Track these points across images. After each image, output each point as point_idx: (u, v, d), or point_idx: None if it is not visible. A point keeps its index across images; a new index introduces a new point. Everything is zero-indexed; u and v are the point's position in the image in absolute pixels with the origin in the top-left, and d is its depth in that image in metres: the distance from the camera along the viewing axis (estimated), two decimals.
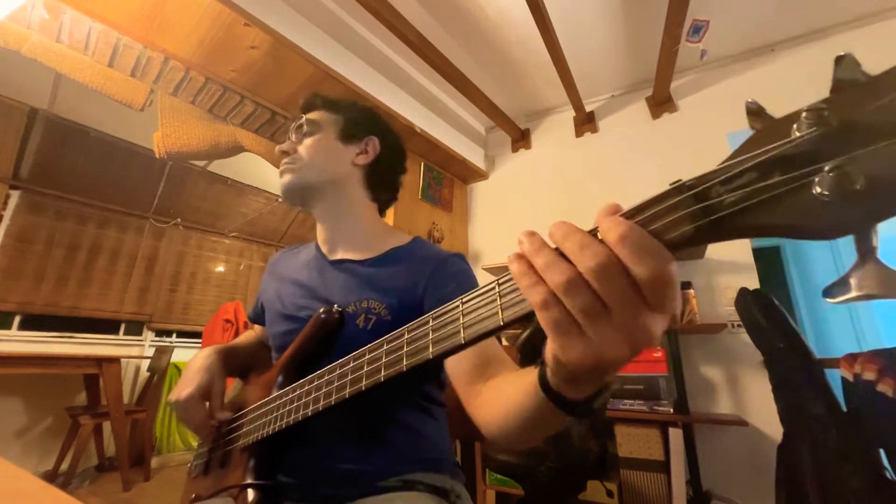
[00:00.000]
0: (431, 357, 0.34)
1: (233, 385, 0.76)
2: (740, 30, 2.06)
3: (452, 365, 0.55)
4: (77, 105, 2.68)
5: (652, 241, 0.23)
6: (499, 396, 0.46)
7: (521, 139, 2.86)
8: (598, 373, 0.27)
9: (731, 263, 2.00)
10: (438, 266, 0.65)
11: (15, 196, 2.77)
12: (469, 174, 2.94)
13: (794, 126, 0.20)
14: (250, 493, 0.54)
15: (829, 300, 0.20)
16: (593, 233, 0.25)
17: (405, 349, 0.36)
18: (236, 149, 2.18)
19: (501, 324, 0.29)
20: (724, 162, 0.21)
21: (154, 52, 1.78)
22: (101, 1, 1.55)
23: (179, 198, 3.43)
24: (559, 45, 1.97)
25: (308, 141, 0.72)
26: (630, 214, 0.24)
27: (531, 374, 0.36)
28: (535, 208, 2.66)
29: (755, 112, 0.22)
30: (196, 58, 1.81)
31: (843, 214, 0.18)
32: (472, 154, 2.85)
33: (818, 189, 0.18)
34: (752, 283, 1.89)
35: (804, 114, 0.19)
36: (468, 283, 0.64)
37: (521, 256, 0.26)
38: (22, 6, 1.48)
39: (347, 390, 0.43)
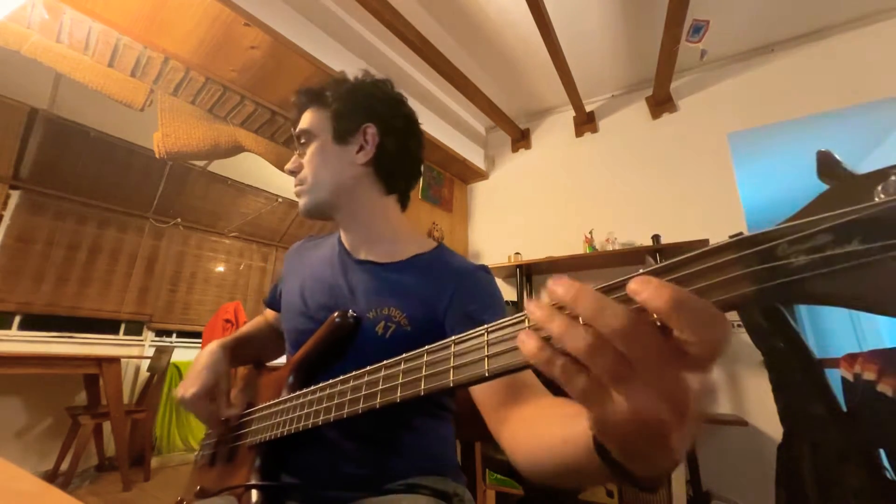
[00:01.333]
0: (451, 385, 0.32)
1: (245, 373, 0.75)
2: (740, 30, 2.06)
3: (481, 395, 0.53)
4: (77, 105, 2.68)
5: (706, 305, 0.20)
6: (533, 433, 0.42)
7: (521, 139, 2.86)
8: (647, 441, 0.23)
9: None
10: (464, 280, 0.63)
11: (15, 196, 2.77)
12: (469, 174, 2.94)
13: (880, 187, 0.17)
14: (254, 495, 0.54)
15: None
16: (609, 290, 0.23)
17: (424, 372, 0.35)
18: (236, 149, 2.18)
19: (529, 363, 0.26)
20: (792, 218, 0.19)
21: (154, 52, 1.78)
22: (101, 1, 1.55)
23: (179, 198, 3.43)
24: (559, 45, 1.98)
25: (307, 154, 0.68)
26: (674, 266, 0.22)
27: (579, 425, 0.32)
28: (534, 208, 2.67)
29: (829, 163, 0.19)
30: (196, 58, 1.81)
31: None
32: (472, 154, 2.85)
33: None
34: None
35: (893, 176, 0.17)
36: (494, 299, 0.63)
37: (535, 329, 0.24)
38: (22, 6, 1.48)
39: (360, 406, 0.42)
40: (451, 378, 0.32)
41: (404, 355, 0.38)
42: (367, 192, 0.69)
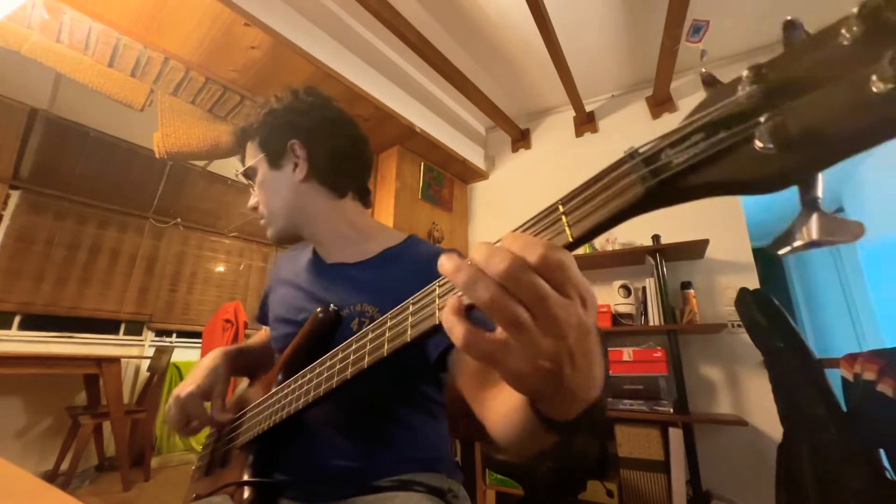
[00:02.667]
0: (409, 339, 0.34)
1: (240, 385, 0.77)
2: (740, 30, 2.06)
3: (458, 369, 0.55)
4: (77, 105, 2.68)
5: (532, 238, 0.25)
6: (499, 410, 0.45)
7: (521, 139, 2.86)
8: (552, 385, 0.27)
9: (731, 263, 2.00)
10: (433, 266, 0.64)
11: (15, 196, 2.77)
12: (469, 174, 2.94)
13: (739, 87, 0.20)
14: (246, 491, 0.54)
15: (778, 251, 0.20)
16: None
17: (387, 335, 0.37)
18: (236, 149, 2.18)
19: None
20: (674, 128, 0.22)
21: (154, 52, 1.78)
22: (101, 1, 1.55)
23: (179, 198, 3.43)
24: (559, 46, 1.98)
25: (257, 188, 0.71)
26: (586, 185, 0.26)
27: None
28: (535, 208, 2.65)
29: (708, 81, 0.23)
30: (196, 58, 1.81)
31: (784, 165, 0.18)
32: (472, 154, 2.85)
33: (759, 143, 0.18)
34: (752, 283, 1.89)
35: (745, 73, 0.20)
36: None
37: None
38: (22, 6, 1.48)
39: (335, 380, 0.44)
40: (409, 333, 0.35)
41: (371, 325, 0.41)
42: (319, 204, 0.70)
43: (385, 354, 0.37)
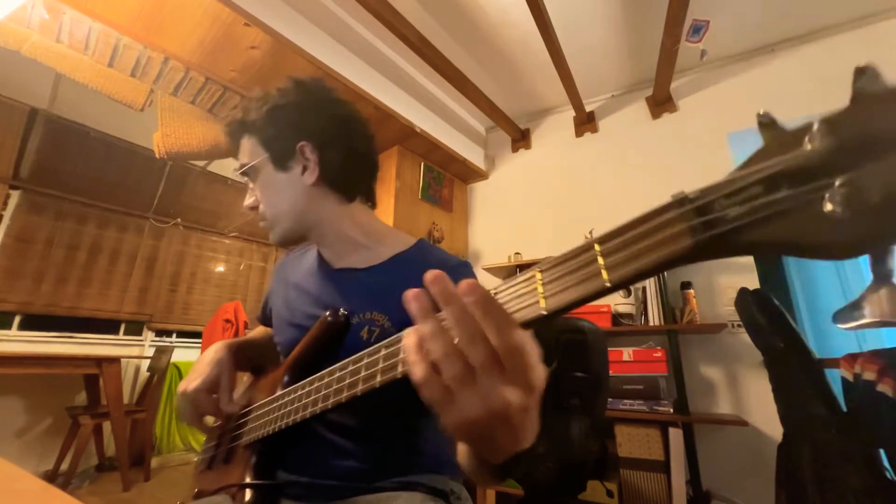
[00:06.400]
0: None
1: (244, 380, 0.76)
2: (740, 30, 2.06)
3: None
4: (77, 105, 2.68)
5: (499, 309, 0.26)
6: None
7: (521, 139, 2.86)
8: (470, 436, 0.30)
9: (731, 263, 2.00)
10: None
11: (15, 196, 2.77)
12: (469, 174, 2.94)
13: (807, 138, 0.18)
14: (248, 493, 0.54)
15: (840, 326, 0.19)
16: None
17: (401, 355, 0.36)
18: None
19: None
20: (729, 174, 0.21)
21: (154, 52, 1.78)
22: (101, 1, 1.55)
23: (179, 198, 3.44)
24: (559, 45, 1.97)
25: (258, 188, 0.67)
26: (628, 227, 0.24)
27: None
28: (535, 208, 2.66)
29: (767, 124, 0.20)
30: (196, 58, 1.81)
31: (856, 233, 0.16)
32: (472, 154, 2.85)
33: (829, 206, 0.17)
34: (752, 283, 1.89)
35: (816, 125, 0.18)
36: None
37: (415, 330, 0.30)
38: (22, 6, 1.48)
39: (345, 394, 0.43)
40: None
41: (385, 342, 0.39)
42: (328, 208, 0.67)
43: (399, 376, 0.36)
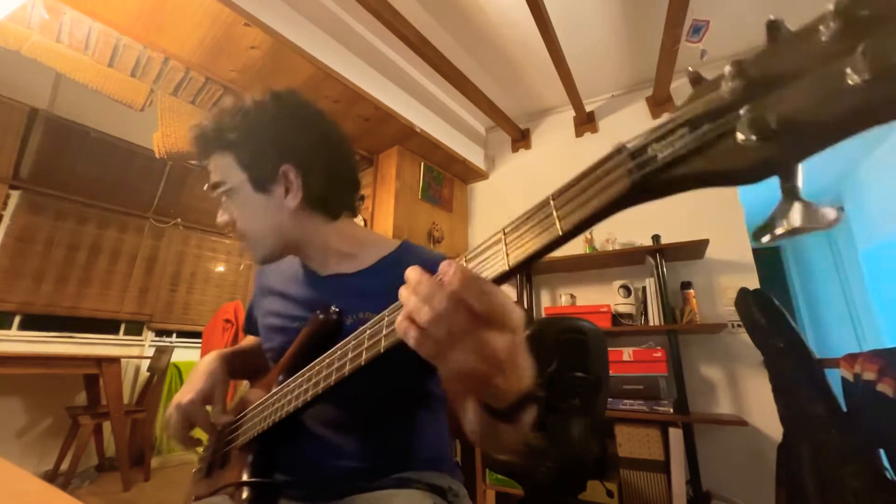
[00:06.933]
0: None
1: (240, 388, 0.76)
2: (740, 30, 2.06)
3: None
4: (77, 105, 2.68)
5: (471, 277, 0.30)
6: (469, 414, 0.47)
7: (521, 139, 2.86)
8: (478, 386, 0.34)
9: (731, 263, 2.00)
10: (429, 269, 0.64)
11: (15, 196, 2.77)
12: (469, 174, 2.94)
13: (722, 82, 0.21)
14: (245, 491, 0.54)
15: (760, 239, 0.21)
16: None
17: (384, 332, 0.38)
18: None
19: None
20: (660, 123, 0.23)
21: (154, 52, 1.78)
22: (101, 1, 1.55)
23: (179, 198, 3.43)
24: (559, 45, 1.97)
25: (233, 208, 0.62)
26: (576, 179, 0.27)
27: None
28: None
29: (695, 79, 0.23)
30: (196, 58, 1.81)
31: (764, 155, 0.19)
32: (472, 154, 2.85)
33: (741, 136, 0.19)
34: (752, 283, 1.89)
35: (728, 68, 0.20)
36: None
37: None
38: (22, 6, 1.48)
39: (333, 377, 0.44)
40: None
41: (367, 323, 0.42)
42: (313, 228, 0.65)
43: (381, 351, 0.38)
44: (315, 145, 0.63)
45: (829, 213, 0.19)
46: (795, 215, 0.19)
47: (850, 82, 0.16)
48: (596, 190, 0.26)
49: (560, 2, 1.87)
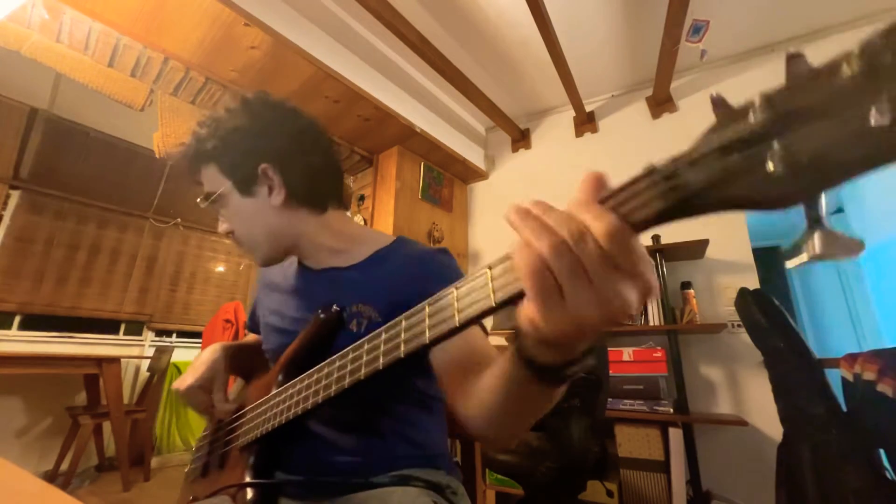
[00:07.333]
0: (428, 342, 0.35)
1: (234, 385, 0.76)
2: (740, 30, 2.06)
3: (443, 366, 0.55)
4: (77, 105, 2.68)
5: (621, 224, 0.26)
6: (481, 387, 0.46)
7: (521, 139, 2.86)
8: (572, 338, 0.29)
9: (731, 263, 2.00)
10: (427, 264, 0.64)
11: (15, 196, 2.77)
12: (469, 174, 2.94)
13: (751, 112, 0.22)
14: (249, 492, 0.54)
15: (787, 265, 0.24)
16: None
17: (402, 336, 0.38)
18: None
19: (493, 305, 0.31)
20: (690, 146, 0.25)
21: (154, 52, 1.78)
22: (101, 1, 1.55)
23: (179, 198, 3.43)
24: (559, 45, 1.98)
25: (228, 215, 0.67)
26: (609, 196, 0.27)
27: (505, 359, 0.39)
28: None
29: (718, 103, 0.24)
30: (196, 58, 1.81)
31: (791, 186, 0.20)
32: (472, 154, 2.85)
33: (771, 166, 0.20)
34: (752, 283, 1.89)
35: (758, 100, 0.21)
36: (456, 277, 0.64)
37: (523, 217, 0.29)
38: (22, 6, 1.48)
39: (347, 381, 0.43)
40: (427, 335, 0.35)
41: (384, 327, 0.40)
42: (303, 223, 0.67)
43: (402, 356, 0.37)
44: (288, 141, 0.65)
45: (851, 243, 0.20)
46: (819, 244, 0.21)
47: (874, 123, 0.17)
48: (632, 207, 0.26)
49: (560, 2, 1.87)
